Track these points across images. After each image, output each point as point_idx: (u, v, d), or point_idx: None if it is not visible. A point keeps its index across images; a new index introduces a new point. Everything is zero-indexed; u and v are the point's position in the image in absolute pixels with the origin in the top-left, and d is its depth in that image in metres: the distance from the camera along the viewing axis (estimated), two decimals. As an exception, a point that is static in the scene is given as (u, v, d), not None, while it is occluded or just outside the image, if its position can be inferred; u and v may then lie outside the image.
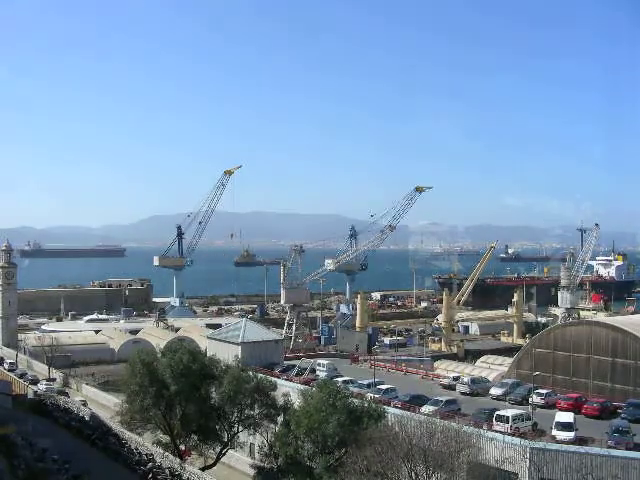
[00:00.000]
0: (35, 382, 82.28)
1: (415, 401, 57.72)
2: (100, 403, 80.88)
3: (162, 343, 79.71)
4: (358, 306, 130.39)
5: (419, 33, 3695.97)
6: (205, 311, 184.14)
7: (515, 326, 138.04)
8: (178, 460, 46.74)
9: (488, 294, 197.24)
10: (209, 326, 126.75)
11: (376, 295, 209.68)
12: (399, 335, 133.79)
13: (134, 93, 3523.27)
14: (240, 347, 71.92)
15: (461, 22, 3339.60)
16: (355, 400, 47.71)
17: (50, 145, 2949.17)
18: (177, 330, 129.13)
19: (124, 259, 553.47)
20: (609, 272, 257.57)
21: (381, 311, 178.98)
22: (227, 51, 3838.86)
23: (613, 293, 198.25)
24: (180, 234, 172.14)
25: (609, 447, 44.76)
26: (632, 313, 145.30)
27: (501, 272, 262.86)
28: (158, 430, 52.32)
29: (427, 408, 54.39)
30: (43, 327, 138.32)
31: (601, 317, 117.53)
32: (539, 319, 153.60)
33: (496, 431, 47.28)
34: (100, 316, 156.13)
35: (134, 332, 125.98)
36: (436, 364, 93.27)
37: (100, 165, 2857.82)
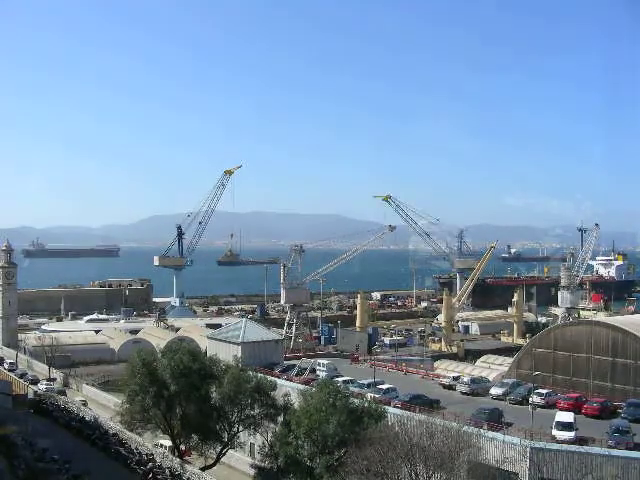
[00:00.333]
0: (35, 382, 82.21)
1: (415, 401, 57.73)
2: (100, 403, 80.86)
3: (162, 343, 79.70)
4: (358, 306, 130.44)
5: (419, 32, 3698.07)
6: (205, 311, 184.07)
7: (515, 326, 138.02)
8: (178, 460, 46.81)
9: (488, 294, 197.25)
10: (209, 326, 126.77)
11: (376, 295, 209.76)
12: (399, 335, 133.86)
13: (134, 93, 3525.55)
14: (240, 347, 71.93)
15: (461, 21, 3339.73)
16: (355, 400, 47.69)
17: (50, 145, 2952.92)
18: (177, 330, 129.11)
19: (119, 259, 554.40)
20: (609, 272, 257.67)
21: (381, 311, 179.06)
22: (228, 50, 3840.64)
23: (613, 293, 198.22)
24: (180, 234, 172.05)
25: (609, 447, 44.78)
26: (632, 313, 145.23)
27: (501, 272, 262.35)
28: (158, 430, 52.31)
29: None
30: (43, 327, 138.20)
31: (601, 317, 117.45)
32: (539, 319, 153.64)
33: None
34: (100, 316, 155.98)
35: (134, 332, 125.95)
36: (436, 364, 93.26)
37: (100, 165, 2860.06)
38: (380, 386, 63.40)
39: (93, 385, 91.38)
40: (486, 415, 52.42)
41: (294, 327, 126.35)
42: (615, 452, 43.01)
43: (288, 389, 57.75)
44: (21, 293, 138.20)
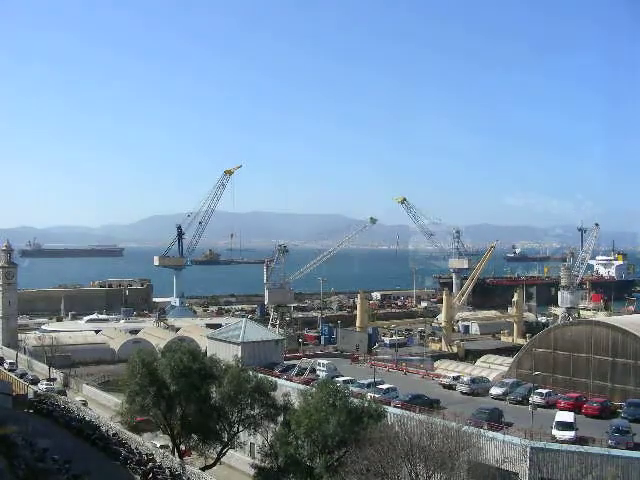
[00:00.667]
0: (35, 382, 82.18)
1: (415, 401, 57.72)
2: (100, 403, 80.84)
3: (162, 343, 79.67)
4: (358, 306, 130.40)
5: (419, 28, 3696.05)
6: (205, 311, 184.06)
7: (515, 326, 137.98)
8: (178, 460, 46.77)
9: (488, 294, 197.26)
10: (209, 326, 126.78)
11: (376, 295, 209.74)
12: (399, 335, 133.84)
13: (135, 92, 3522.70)
14: (240, 347, 71.95)
15: (461, 18, 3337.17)
16: (355, 400, 47.68)
17: (50, 145, 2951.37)
18: (177, 330, 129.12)
19: (122, 259, 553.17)
20: (609, 272, 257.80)
21: (381, 311, 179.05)
22: (228, 42, 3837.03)
23: (613, 293, 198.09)
24: (180, 234, 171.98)
25: (609, 447, 44.83)
26: (632, 313, 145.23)
27: (501, 272, 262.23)
28: (158, 430, 52.29)
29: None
30: (43, 327, 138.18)
31: (601, 317, 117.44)
32: (539, 319, 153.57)
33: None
34: (100, 316, 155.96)
35: (134, 332, 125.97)
36: (436, 364, 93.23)
37: (100, 165, 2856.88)
38: (380, 386, 63.41)
39: (93, 385, 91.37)
40: (486, 415, 52.42)
41: (277, 327, 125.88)
42: (615, 452, 43.02)
43: (288, 389, 57.72)
44: (21, 293, 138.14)
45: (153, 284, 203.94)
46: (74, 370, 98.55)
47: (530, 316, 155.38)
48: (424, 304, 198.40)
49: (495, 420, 51.48)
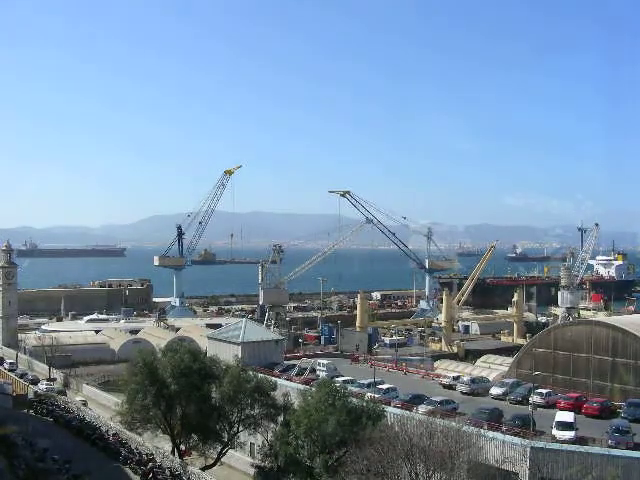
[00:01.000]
0: (35, 382, 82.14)
1: (416, 401, 57.73)
2: (100, 403, 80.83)
3: (162, 343, 79.62)
4: (358, 306, 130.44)
5: (418, 26, 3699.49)
6: (205, 311, 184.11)
7: (515, 326, 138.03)
8: (178, 460, 46.80)
9: (488, 294, 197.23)
10: (209, 326, 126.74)
11: (376, 295, 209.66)
12: (399, 335, 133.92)
13: (135, 92, 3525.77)
14: (240, 347, 71.92)
15: (460, 17, 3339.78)
16: (355, 400, 47.68)
17: (50, 145, 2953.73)
18: (177, 330, 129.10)
19: (124, 259, 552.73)
20: (609, 272, 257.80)
21: (381, 311, 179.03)
22: (233, 42, 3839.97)
23: (613, 293, 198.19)
24: (180, 234, 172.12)
25: (609, 447, 44.79)
26: (632, 313, 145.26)
27: (504, 272, 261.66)
28: (158, 430, 52.31)
29: (423, 408, 54.51)
30: (43, 327, 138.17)
31: (601, 317, 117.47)
32: (539, 319, 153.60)
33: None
34: (100, 316, 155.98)
35: (134, 332, 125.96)
36: (436, 364, 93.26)
37: (100, 164, 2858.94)
38: (380, 386, 63.40)
39: (93, 385, 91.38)
40: (486, 415, 52.40)
41: (272, 328, 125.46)
42: (615, 452, 42.97)
43: (288, 389, 57.71)
44: (21, 293, 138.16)
45: (153, 284, 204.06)
46: (74, 370, 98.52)
47: (530, 316, 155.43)
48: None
49: (495, 420, 51.45)
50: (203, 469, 48.08)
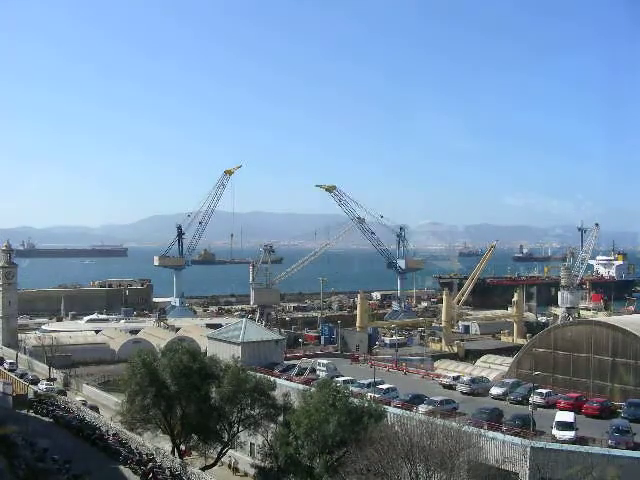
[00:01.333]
0: (35, 382, 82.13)
1: (416, 401, 57.73)
2: (100, 403, 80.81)
3: (162, 343, 79.71)
4: (358, 306, 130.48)
5: (418, 27, 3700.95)
6: (205, 311, 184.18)
7: (515, 326, 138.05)
8: (178, 460, 46.79)
9: (488, 294, 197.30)
10: (209, 326, 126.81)
11: (376, 295, 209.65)
12: (399, 335, 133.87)
13: (135, 91, 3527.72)
14: (240, 347, 71.91)
15: (460, 18, 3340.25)
16: (355, 400, 47.68)
17: (50, 145, 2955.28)
18: (177, 330, 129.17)
19: (126, 259, 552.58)
20: (609, 272, 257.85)
21: (381, 311, 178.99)
22: (228, 33, 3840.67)
23: (613, 293, 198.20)
24: (180, 234, 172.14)
25: (609, 447, 44.81)
26: (632, 313, 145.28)
27: (507, 272, 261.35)
28: (158, 430, 52.32)
29: (423, 408, 54.51)
30: (43, 327, 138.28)
31: (601, 317, 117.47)
32: (539, 319, 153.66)
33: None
34: (100, 316, 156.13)
35: (134, 332, 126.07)
36: (436, 364, 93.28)
37: (100, 164, 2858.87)
38: (380, 386, 63.37)
39: (93, 385, 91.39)
40: (486, 415, 52.40)
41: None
42: (615, 452, 42.99)
43: (288, 389, 57.72)
44: (21, 293, 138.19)
45: (153, 284, 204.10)
46: (74, 370, 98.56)
47: (530, 316, 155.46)
48: (424, 304, 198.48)
49: (495, 420, 51.46)
50: (203, 469, 48.10)
